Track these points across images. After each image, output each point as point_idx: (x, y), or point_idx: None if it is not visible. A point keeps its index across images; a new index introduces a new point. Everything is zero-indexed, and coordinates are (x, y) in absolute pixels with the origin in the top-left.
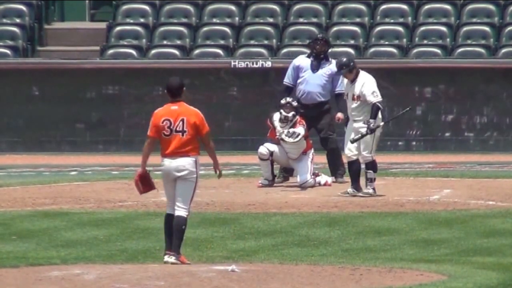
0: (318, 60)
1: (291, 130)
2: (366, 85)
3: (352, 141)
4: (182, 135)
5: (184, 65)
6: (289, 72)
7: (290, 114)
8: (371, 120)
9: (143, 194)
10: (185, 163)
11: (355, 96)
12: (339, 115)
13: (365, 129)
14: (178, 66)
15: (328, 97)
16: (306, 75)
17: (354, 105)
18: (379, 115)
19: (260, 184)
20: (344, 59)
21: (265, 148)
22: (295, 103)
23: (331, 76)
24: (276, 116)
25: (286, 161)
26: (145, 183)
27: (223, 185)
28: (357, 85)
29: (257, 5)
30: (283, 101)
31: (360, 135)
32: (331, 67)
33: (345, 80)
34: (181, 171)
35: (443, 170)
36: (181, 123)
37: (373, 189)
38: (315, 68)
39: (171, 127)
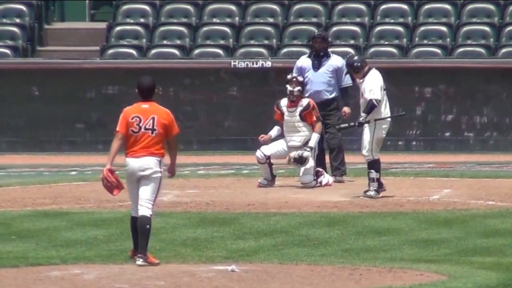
0: (319, 58)
1: (300, 152)
2: (367, 83)
3: (338, 129)
4: (152, 133)
5: (184, 65)
6: (294, 71)
7: (296, 89)
8: (363, 114)
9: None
10: (149, 162)
11: (363, 95)
12: (345, 109)
13: (366, 126)
14: (178, 66)
15: (335, 92)
16: (309, 75)
17: (362, 102)
18: (384, 114)
19: (260, 184)
20: (355, 58)
21: (261, 152)
22: (300, 78)
23: (335, 71)
24: (284, 102)
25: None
26: (115, 181)
27: (223, 185)
28: (364, 83)
29: (257, 5)
30: (289, 76)
31: (347, 125)
32: (332, 62)
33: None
34: (145, 169)
35: (443, 170)
36: (151, 121)
37: (375, 190)
38: (316, 66)
39: (140, 124)
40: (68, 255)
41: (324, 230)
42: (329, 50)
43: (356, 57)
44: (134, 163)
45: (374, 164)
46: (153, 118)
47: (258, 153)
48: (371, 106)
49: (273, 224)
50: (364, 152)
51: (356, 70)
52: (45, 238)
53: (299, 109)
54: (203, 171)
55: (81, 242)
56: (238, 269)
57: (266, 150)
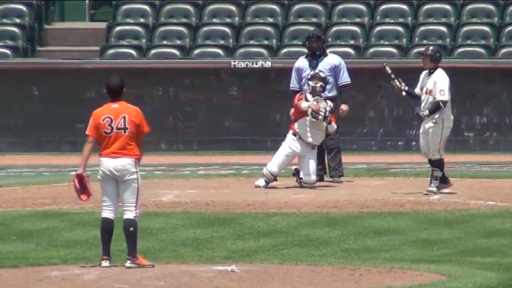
0: (315, 57)
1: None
2: (438, 83)
3: (384, 67)
4: (124, 132)
5: (184, 65)
6: (292, 76)
7: (318, 85)
8: (427, 112)
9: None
10: (125, 163)
11: (428, 90)
12: (343, 106)
13: (433, 127)
14: (178, 66)
15: (334, 91)
16: (306, 74)
17: (425, 99)
18: (449, 116)
19: (258, 186)
20: (435, 47)
21: (268, 172)
22: (322, 74)
23: (332, 70)
24: (310, 97)
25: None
26: (83, 187)
27: (223, 185)
28: (431, 80)
29: (257, 5)
30: (312, 72)
31: (401, 85)
32: (329, 60)
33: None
34: (121, 171)
35: None
36: (122, 120)
37: (437, 187)
38: (313, 66)
39: (112, 125)
40: (68, 255)
41: (324, 230)
42: (329, 50)
43: (435, 47)
44: (109, 163)
45: (439, 163)
46: (124, 117)
47: (265, 171)
48: (437, 107)
49: (273, 224)
50: (433, 152)
51: (434, 59)
52: (45, 238)
53: (320, 102)
54: (203, 171)
55: (81, 242)
56: (238, 269)
57: (273, 167)
